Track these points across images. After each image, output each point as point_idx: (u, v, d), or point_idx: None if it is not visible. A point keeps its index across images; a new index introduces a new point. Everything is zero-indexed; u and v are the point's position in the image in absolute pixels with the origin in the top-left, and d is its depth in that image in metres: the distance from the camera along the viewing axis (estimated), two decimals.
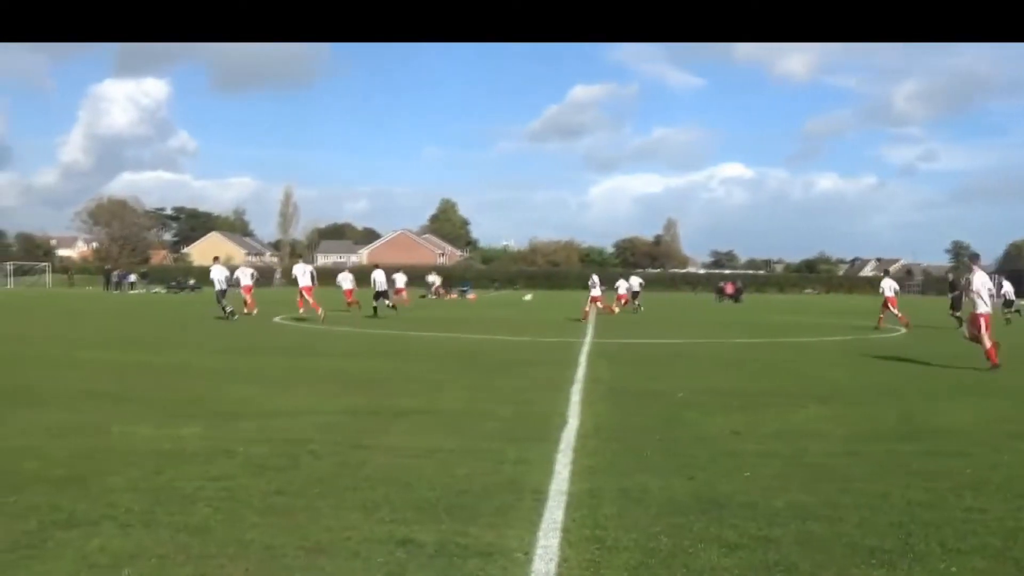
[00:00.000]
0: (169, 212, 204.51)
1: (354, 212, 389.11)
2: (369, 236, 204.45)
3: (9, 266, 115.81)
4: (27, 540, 6.77)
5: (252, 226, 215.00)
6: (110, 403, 13.93)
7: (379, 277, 46.03)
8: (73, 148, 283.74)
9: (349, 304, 46.82)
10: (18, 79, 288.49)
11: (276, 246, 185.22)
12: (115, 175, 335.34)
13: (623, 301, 52.41)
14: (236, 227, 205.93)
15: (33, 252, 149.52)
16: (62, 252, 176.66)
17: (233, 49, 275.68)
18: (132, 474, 8.97)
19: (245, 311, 41.83)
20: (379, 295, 45.71)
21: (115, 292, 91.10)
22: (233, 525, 7.21)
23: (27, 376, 17.54)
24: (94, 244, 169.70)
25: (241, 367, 19.84)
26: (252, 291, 43.53)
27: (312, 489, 8.42)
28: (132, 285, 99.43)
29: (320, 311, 39.66)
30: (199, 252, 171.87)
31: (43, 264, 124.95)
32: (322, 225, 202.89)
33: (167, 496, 8.11)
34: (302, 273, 42.60)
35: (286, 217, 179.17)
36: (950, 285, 43.71)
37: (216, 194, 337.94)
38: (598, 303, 46.00)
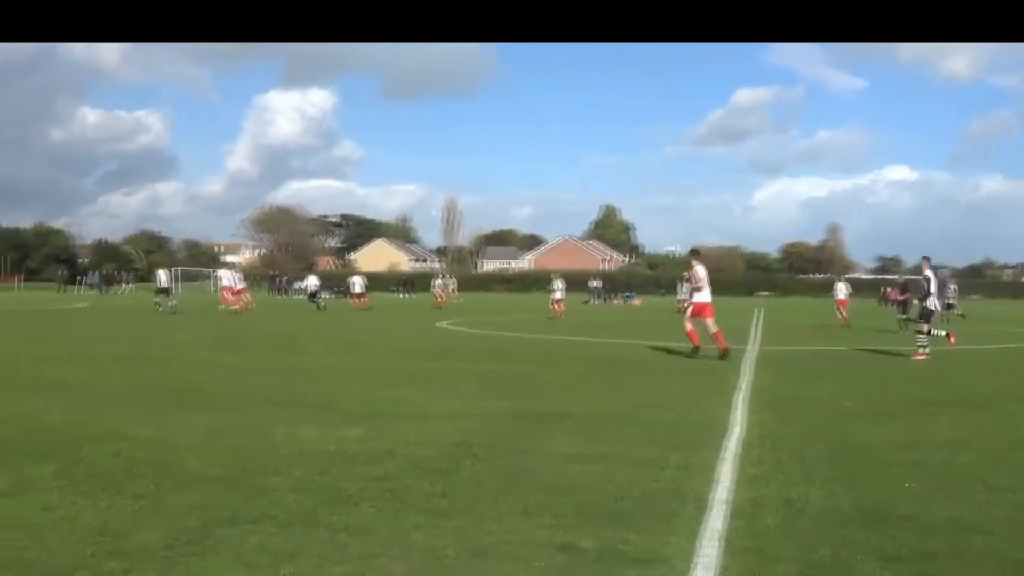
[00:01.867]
0: (336, 220, 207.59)
1: (519, 218, 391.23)
2: (532, 242, 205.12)
3: (172, 272, 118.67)
4: (188, 537, 6.88)
5: (418, 233, 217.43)
6: (272, 405, 14.19)
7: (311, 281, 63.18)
8: (239, 157, 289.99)
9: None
10: (184, 90, 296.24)
11: (442, 252, 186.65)
12: (281, 183, 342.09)
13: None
14: (401, 234, 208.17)
15: (199, 258, 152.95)
16: (229, 258, 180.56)
17: (400, 58, 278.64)
18: (294, 474, 9.09)
19: (225, 308, 51.38)
20: (313, 295, 59.54)
21: (279, 297, 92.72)
22: (395, 526, 7.23)
23: (192, 378, 17.96)
24: (260, 251, 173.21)
25: (401, 370, 20.08)
26: (236, 292, 52.76)
27: (474, 492, 8.42)
28: (297, 291, 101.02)
29: (239, 307, 50.70)
30: (365, 258, 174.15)
31: (207, 270, 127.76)
32: (488, 231, 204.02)
33: (329, 496, 8.18)
34: (228, 277, 54.19)
35: (450, 225, 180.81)
36: (901, 288, 43.88)
37: (381, 201, 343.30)
38: (559, 305, 48.88)
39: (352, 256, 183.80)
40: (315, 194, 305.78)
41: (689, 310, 25.01)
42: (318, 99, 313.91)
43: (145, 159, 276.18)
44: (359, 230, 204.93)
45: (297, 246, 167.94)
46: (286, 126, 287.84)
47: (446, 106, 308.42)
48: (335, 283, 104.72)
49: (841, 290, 44.96)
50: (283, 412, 13.41)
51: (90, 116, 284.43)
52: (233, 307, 51.09)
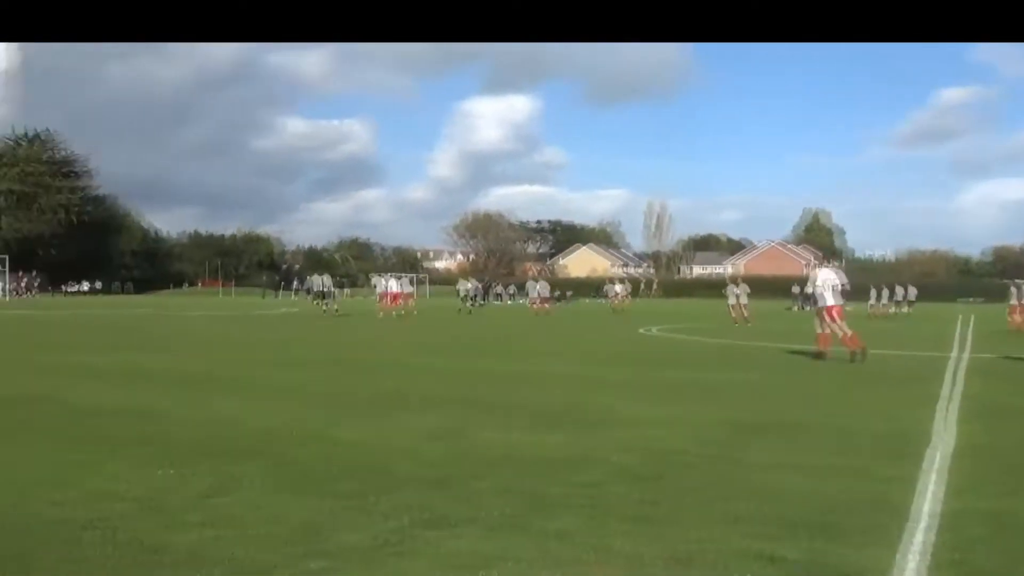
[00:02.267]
0: (541, 225, 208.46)
1: (725, 222, 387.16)
2: (736, 247, 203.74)
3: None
4: (394, 538, 7.01)
5: (627, 237, 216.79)
6: (475, 409, 14.40)
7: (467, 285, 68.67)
8: (442, 164, 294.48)
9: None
10: (387, 99, 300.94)
11: (649, 257, 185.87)
12: (484, 189, 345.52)
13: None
14: (607, 239, 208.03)
15: (405, 264, 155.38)
16: (438, 264, 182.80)
17: (601, 62, 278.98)
18: (501, 478, 9.19)
19: (392, 313, 53.97)
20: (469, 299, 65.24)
21: (484, 303, 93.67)
22: (598, 532, 7.25)
23: (393, 382, 18.37)
24: (460, 256, 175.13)
25: (603, 376, 20.12)
26: (395, 297, 56.83)
27: (679, 499, 8.41)
28: (499, 296, 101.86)
29: (401, 311, 54.53)
30: (571, 264, 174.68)
31: (411, 275, 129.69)
32: (693, 236, 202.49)
33: (534, 501, 8.24)
34: (384, 282, 58.80)
35: (659, 229, 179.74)
36: None
37: (587, 206, 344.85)
38: (743, 310, 49.31)
39: (561, 261, 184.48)
40: (520, 200, 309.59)
41: (824, 317, 25.08)
42: (521, 105, 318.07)
43: (350, 167, 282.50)
44: (569, 235, 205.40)
45: (502, 252, 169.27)
46: (489, 132, 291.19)
47: (649, 109, 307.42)
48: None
49: (1016, 295, 44.51)
50: (486, 416, 13.61)
51: (296, 126, 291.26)
52: (393, 310, 54.41)
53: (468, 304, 64.13)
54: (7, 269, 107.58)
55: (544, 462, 10.06)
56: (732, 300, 49.46)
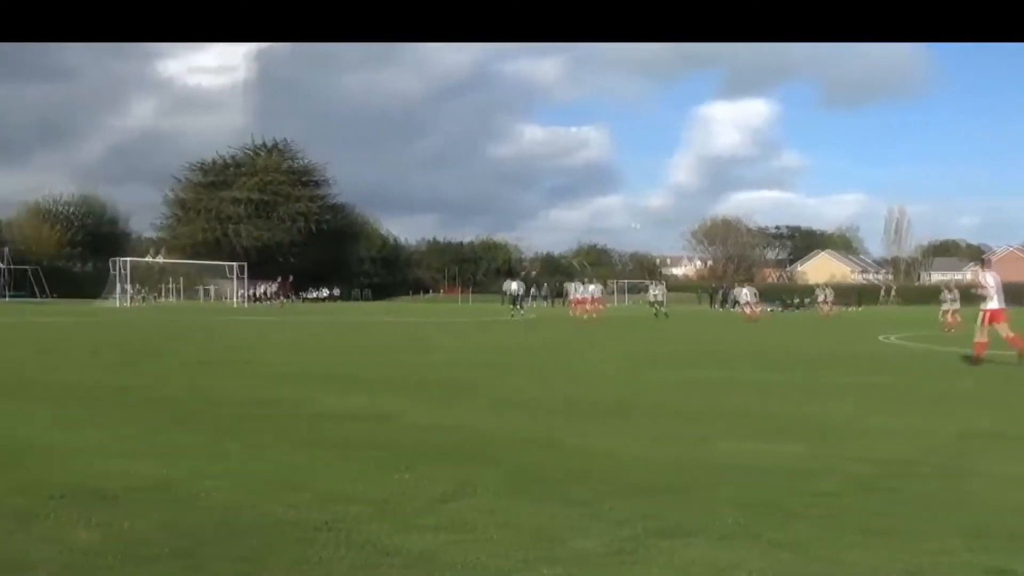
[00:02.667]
0: (779, 230, 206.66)
1: (964, 227, 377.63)
2: (974, 252, 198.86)
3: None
4: (626, 546, 7.00)
5: (866, 243, 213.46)
6: (709, 417, 14.30)
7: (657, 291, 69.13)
8: (679, 169, 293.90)
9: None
10: (623, 104, 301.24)
11: (888, 263, 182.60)
12: (722, 194, 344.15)
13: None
14: (846, 245, 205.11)
15: (643, 271, 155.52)
16: (676, 271, 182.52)
17: (841, 64, 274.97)
18: (735, 487, 9.11)
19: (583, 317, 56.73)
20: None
21: (721, 309, 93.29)
22: (832, 543, 7.14)
23: (618, 388, 18.61)
24: (703, 262, 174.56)
25: (840, 384, 19.92)
26: (579, 302, 60.33)
27: (913, 511, 8.23)
28: (735, 303, 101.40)
29: (586, 316, 57.09)
30: (810, 270, 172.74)
31: (646, 282, 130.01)
32: (933, 241, 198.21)
33: (768, 511, 8.16)
34: (575, 289, 62.62)
35: (898, 234, 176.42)
36: None
37: (827, 211, 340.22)
38: (953, 316, 48.03)
39: (800, 268, 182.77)
40: (758, 205, 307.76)
41: (980, 319, 25.30)
42: (758, 109, 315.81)
43: (587, 173, 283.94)
44: (804, 241, 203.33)
45: (741, 258, 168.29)
46: (726, 137, 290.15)
47: (888, 111, 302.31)
48: (777, 296, 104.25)
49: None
50: (722, 424, 13.55)
51: (533, 133, 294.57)
52: (582, 315, 56.90)
53: (660, 309, 64.35)
54: (246, 276, 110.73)
55: (779, 471, 9.97)
56: (946, 307, 48.75)
